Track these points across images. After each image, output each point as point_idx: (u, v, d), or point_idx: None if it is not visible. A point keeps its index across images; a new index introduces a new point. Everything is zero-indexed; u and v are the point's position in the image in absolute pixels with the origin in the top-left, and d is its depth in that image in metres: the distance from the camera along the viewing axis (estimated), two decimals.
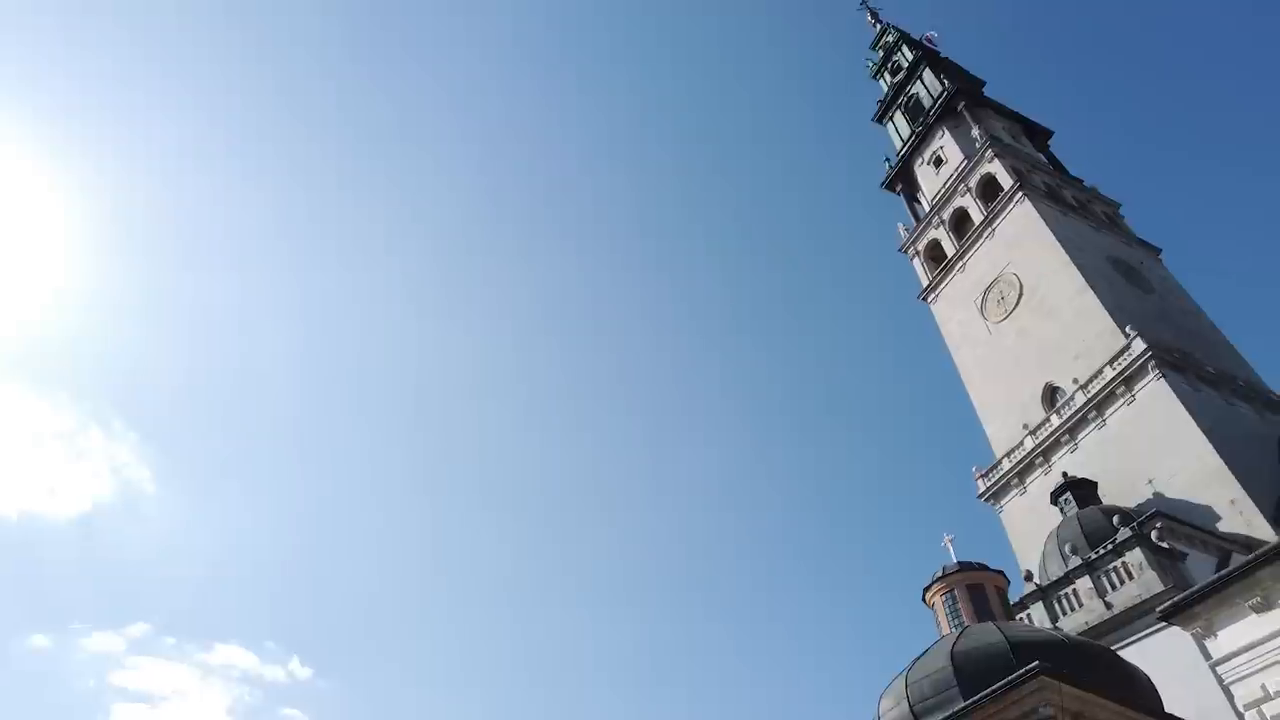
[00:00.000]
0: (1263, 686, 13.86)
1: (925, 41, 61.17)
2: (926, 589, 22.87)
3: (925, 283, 48.98)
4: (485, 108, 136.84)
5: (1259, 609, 14.19)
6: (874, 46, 65.50)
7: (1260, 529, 27.20)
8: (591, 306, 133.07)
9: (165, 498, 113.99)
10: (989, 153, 47.03)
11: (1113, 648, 20.86)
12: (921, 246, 50.35)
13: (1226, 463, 29.28)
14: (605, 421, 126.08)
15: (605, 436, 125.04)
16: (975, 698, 15.87)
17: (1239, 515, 28.30)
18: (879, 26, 65.89)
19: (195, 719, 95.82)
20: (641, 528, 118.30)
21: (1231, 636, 14.46)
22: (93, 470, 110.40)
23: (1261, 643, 14.02)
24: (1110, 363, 34.34)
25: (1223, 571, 16.03)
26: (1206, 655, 15.18)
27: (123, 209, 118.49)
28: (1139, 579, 24.25)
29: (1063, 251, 39.58)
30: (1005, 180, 45.05)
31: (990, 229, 44.88)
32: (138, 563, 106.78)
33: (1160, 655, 20.57)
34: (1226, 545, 27.08)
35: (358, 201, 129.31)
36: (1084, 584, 25.54)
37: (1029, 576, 28.69)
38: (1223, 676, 14.58)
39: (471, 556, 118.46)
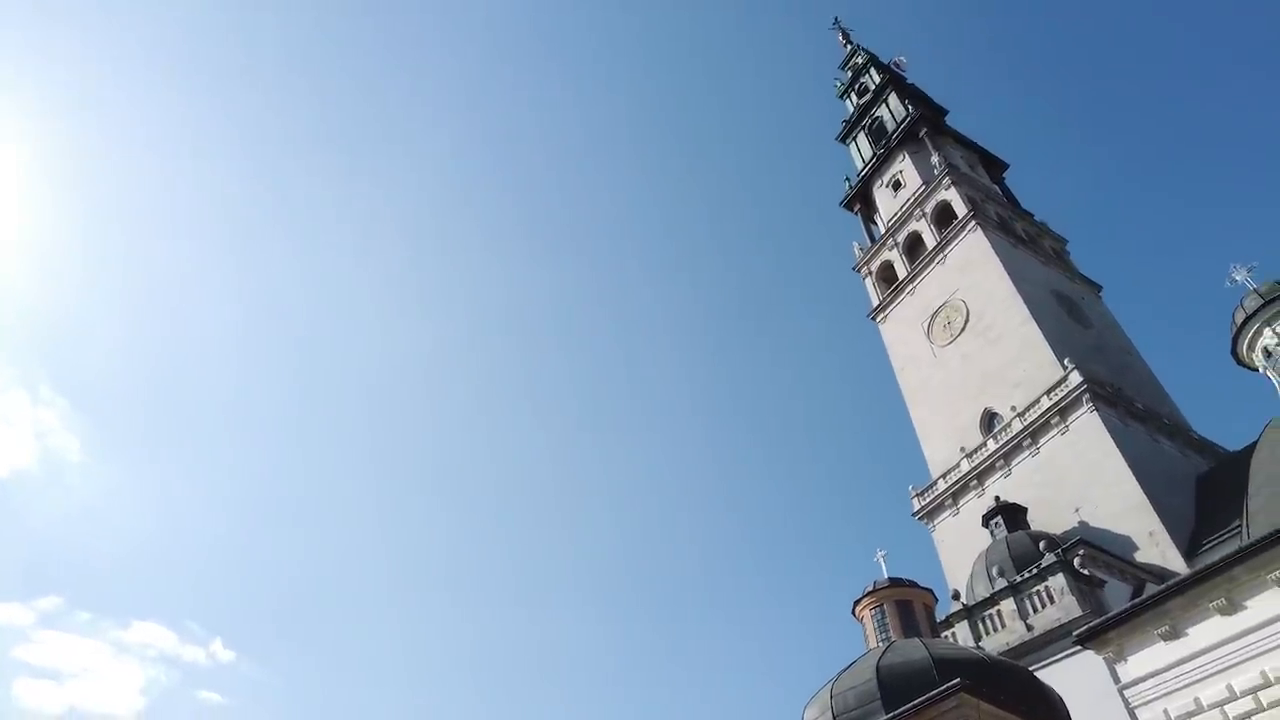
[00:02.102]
0: (1165, 711, 14.49)
1: (894, 66, 62.35)
2: (857, 602, 23.34)
3: (876, 302, 49.88)
4: (453, 102, 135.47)
5: (1167, 637, 14.84)
6: (843, 66, 66.57)
7: (1174, 561, 28.36)
8: (550, 306, 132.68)
9: (91, 468, 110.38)
10: (946, 180, 48.13)
11: (1031, 668, 21.56)
12: (875, 267, 51.26)
13: (1148, 496, 30.43)
14: (556, 420, 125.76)
15: (556, 435, 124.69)
16: (897, 711, 16.30)
17: (1155, 547, 29.46)
18: (849, 47, 66.99)
19: (104, 698, 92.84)
20: (585, 527, 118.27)
21: (1140, 662, 15.09)
22: (14, 436, 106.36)
23: (1167, 669, 14.66)
24: (1047, 393, 35.40)
25: (1136, 600, 16.71)
26: (1116, 679, 15.81)
27: (63, 162, 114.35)
28: (1060, 603, 25.12)
29: (1010, 282, 40.69)
30: (960, 208, 46.15)
31: (942, 255, 45.92)
32: (55, 534, 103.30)
33: (1074, 677, 21.33)
34: (1142, 575, 28.19)
35: (311, 175, 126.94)
36: (1008, 606, 26.34)
37: (957, 595, 29.43)
38: (1130, 700, 15.20)
39: (415, 546, 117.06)
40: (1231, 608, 14.28)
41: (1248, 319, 21.20)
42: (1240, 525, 19.10)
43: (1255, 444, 19.36)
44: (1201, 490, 32.27)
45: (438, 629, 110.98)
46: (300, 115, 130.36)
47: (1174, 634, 14.80)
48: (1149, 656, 15.02)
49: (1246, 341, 21.29)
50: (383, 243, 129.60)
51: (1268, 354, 20.73)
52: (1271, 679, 13.49)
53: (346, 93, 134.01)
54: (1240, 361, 21.92)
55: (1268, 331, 20.70)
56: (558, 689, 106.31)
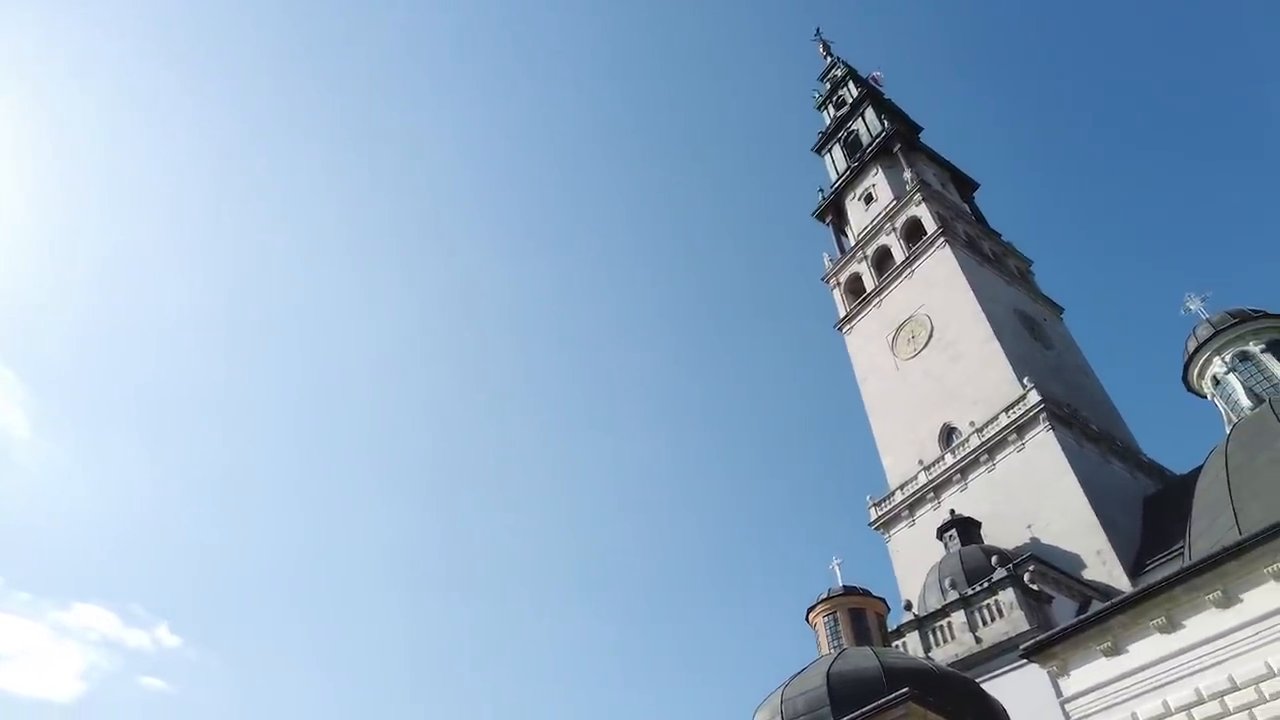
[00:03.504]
0: None
1: (871, 81, 63.08)
2: (811, 609, 23.61)
3: (842, 313, 50.37)
4: (452, 100, 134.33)
5: (1109, 653, 15.23)
6: (822, 78, 67.22)
7: (1119, 579, 29.08)
8: (510, 303, 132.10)
9: (39, 445, 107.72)
10: (918, 196, 48.77)
11: (979, 680, 21.97)
12: (843, 278, 51.75)
13: (1098, 516, 31.15)
14: (513, 419, 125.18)
15: (510, 434, 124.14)
16: (846, 718, 16.53)
17: (1103, 565, 30.17)
18: (830, 60, 67.69)
19: (40, 682, 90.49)
20: (537, 525, 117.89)
21: (1082, 677, 15.46)
22: None
23: (1107, 684, 15.04)
24: (1006, 410, 36.04)
25: (1081, 616, 17.12)
26: (1059, 693, 16.16)
27: (18, 134, 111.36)
28: (1008, 617, 25.61)
29: (975, 300, 41.36)
30: (929, 225, 46.80)
31: (910, 270, 46.53)
32: None
33: (1019, 690, 21.74)
34: (1088, 592, 28.85)
35: (279, 154, 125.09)
36: (958, 618, 26.78)
37: (909, 606, 29.84)
38: (1070, 713, 15.55)
39: (369, 539, 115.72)
40: (1171, 626, 14.69)
41: (1199, 347, 21.80)
42: (1183, 547, 19.64)
43: (1200, 468, 19.90)
44: (1148, 511, 33.12)
45: (386, 624, 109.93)
46: (283, 98, 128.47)
47: (1115, 650, 15.19)
48: (1091, 671, 15.39)
49: (1197, 369, 21.89)
50: (366, 230, 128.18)
51: (1216, 382, 21.34)
52: (1206, 696, 13.91)
53: (329, 80, 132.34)
54: (1190, 388, 22.53)
55: (1217, 360, 21.31)
56: (494, 684, 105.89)
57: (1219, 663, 13.95)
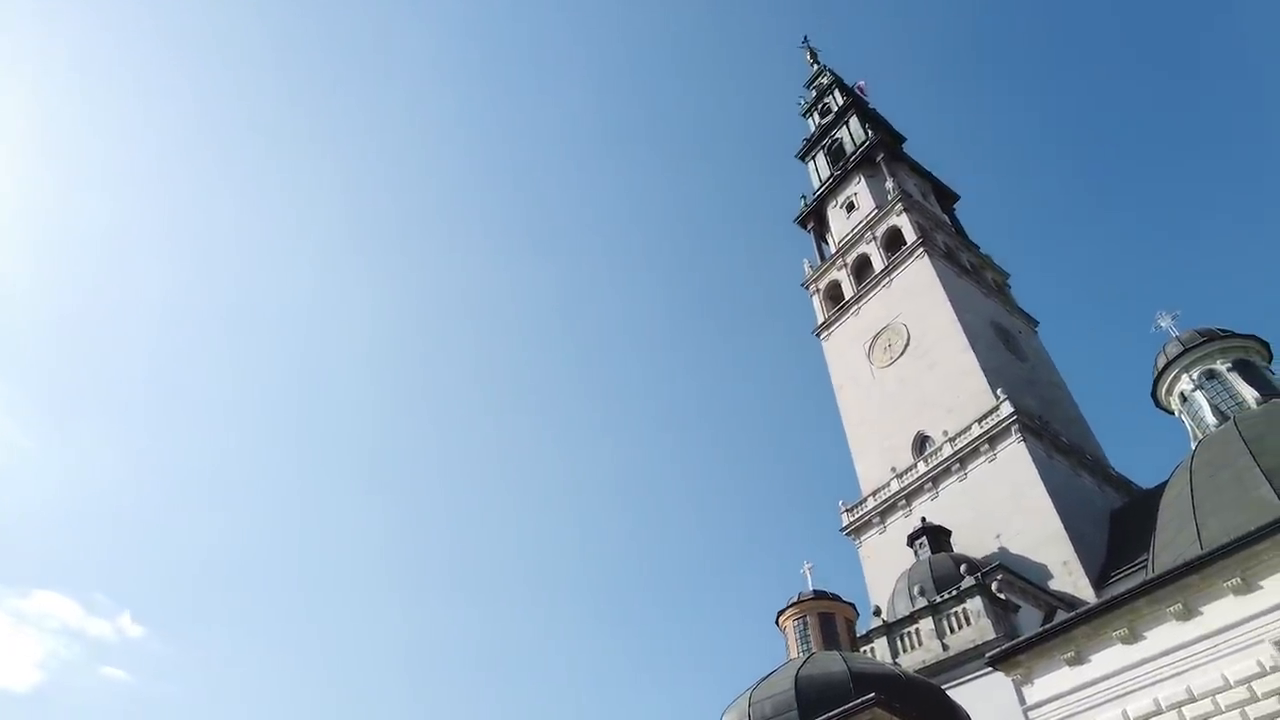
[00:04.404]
0: None
1: (857, 90, 63.55)
2: (781, 612, 23.77)
3: (821, 319, 50.71)
4: (451, 102, 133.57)
5: (1072, 663, 15.51)
6: (808, 85, 67.66)
7: (1084, 590, 29.52)
8: (508, 303, 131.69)
9: (4, 429, 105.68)
10: (899, 206, 49.20)
11: (944, 687, 22.23)
12: (823, 285, 52.10)
13: (1065, 528, 31.60)
14: (474, 418, 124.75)
15: (464, 435, 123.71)
16: None
17: (1069, 576, 30.61)
18: (816, 67, 68.14)
19: None
20: (501, 523, 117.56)
21: (1046, 685, 15.73)
22: None
23: (1070, 693, 15.32)
24: (979, 420, 36.45)
25: (1046, 626, 17.40)
26: (1022, 701, 16.41)
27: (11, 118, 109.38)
28: (975, 625, 25.93)
29: (952, 310, 41.81)
30: (909, 235, 47.22)
31: (889, 279, 46.93)
32: None
33: (984, 698, 21.97)
34: (1054, 602, 29.26)
35: (280, 149, 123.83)
36: (926, 625, 27.07)
37: (878, 612, 30.10)
38: None
39: (348, 534, 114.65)
40: (1133, 637, 14.99)
41: (1168, 364, 22.19)
42: (1147, 560, 20.00)
43: (1166, 483, 20.27)
44: (1114, 524, 33.65)
45: (357, 622, 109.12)
46: (286, 93, 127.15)
47: (1079, 660, 15.47)
48: (1054, 680, 15.66)
49: (1166, 386, 22.28)
50: (366, 229, 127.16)
51: (1184, 399, 21.73)
52: (1164, 706, 14.20)
53: (330, 78, 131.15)
54: (1159, 404, 22.91)
55: (1185, 378, 21.69)
56: (460, 685, 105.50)
57: (1178, 674, 14.25)
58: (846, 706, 16.50)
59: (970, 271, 47.99)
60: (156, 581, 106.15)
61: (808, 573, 25.69)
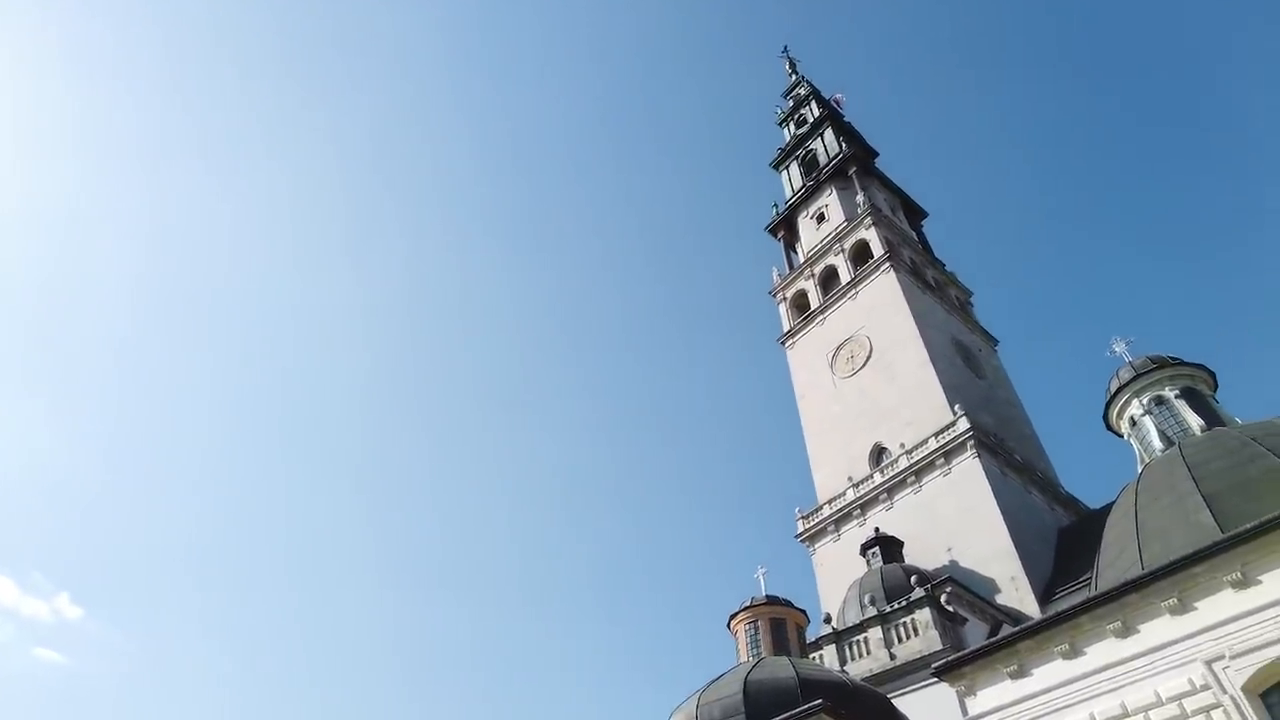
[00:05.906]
0: None
1: (833, 103, 64.26)
2: (733, 616, 23.97)
3: (786, 328, 51.12)
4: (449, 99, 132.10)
5: (1015, 675, 15.89)
6: (786, 95, 68.23)
7: (1029, 606, 30.15)
8: (508, 303, 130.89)
9: None
10: (868, 220, 49.81)
11: (890, 695, 22.60)
12: (790, 294, 52.54)
13: (1014, 544, 32.21)
14: (447, 417, 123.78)
15: (438, 432, 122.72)
16: None
17: (1016, 591, 31.23)
18: (795, 77, 68.73)
19: None
20: (464, 519, 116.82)
21: (988, 697, 16.10)
22: None
23: (1011, 705, 15.70)
24: (936, 435, 37.01)
25: (991, 639, 17.78)
26: (965, 712, 16.75)
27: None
28: (923, 636, 26.37)
29: (914, 325, 42.41)
30: (877, 249, 47.82)
31: (854, 291, 47.48)
32: None
33: (928, 708, 22.39)
34: (1000, 616, 29.86)
35: (278, 148, 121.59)
36: (875, 634, 27.46)
37: (829, 619, 30.44)
38: None
39: (319, 525, 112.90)
40: (1073, 653, 15.40)
41: (1120, 389, 22.82)
42: (1091, 578, 20.53)
43: (1112, 504, 20.85)
44: (1062, 542, 34.39)
45: (305, 611, 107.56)
46: (285, 93, 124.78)
47: (1021, 673, 15.84)
48: (997, 692, 16.03)
49: (1117, 409, 22.90)
50: (364, 226, 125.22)
51: (1133, 423, 22.36)
52: None
53: (329, 77, 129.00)
54: (1110, 427, 23.54)
55: (1135, 402, 22.33)
56: (417, 682, 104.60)
57: (1115, 689, 14.67)
58: (794, 712, 16.71)
59: (934, 288, 48.72)
60: (98, 563, 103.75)
61: (761, 578, 25.97)
